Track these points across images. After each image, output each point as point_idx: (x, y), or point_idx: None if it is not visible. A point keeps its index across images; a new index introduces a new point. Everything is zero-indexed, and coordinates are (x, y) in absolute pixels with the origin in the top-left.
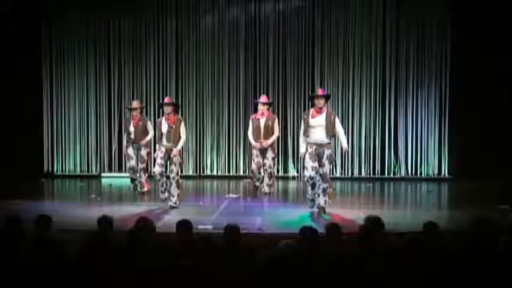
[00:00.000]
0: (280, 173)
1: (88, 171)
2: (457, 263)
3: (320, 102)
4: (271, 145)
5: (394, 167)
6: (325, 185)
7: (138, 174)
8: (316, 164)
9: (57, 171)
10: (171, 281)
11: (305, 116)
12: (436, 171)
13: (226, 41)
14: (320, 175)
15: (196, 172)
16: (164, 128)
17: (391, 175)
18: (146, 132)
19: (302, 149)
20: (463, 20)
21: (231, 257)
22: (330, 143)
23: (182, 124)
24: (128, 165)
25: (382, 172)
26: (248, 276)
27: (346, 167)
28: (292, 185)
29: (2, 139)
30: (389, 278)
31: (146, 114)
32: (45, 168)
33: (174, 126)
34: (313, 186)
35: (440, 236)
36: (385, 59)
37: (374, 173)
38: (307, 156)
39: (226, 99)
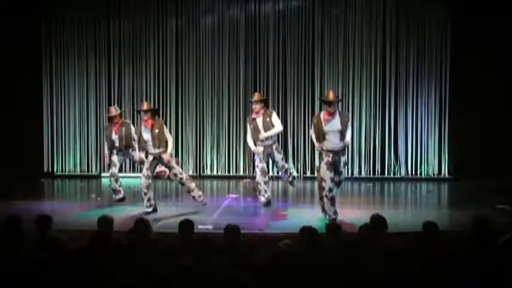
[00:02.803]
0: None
1: (88, 171)
2: (457, 263)
3: (332, 107)
4: (275, 146)
5: (394, 167)
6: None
7: (119, 183)
8: (333, 175)
9: (57, 171)
10: (171, 280)
11: (315, 121)
12: (436, 171)
13: (226, 41)
14: (336, 183)
15: (196, 172)
16: (146, 134)
17: (391, 175)
18: (131, 137)
19: (318, 144)
20: (463, 20)
21: (231, 257)
22: (344, 150)
23: (164, 127)
24: (110, 171)
25: (382, 172)
26: (248, 276)
27: (346, 167)
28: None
29: (2, 139)
30: (389, 278)
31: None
32: (45, 168)
33: (157, 131)
34: (332, 200)
35: (440, 236)
36: (385, 59)
37: (374, 173)
38: (324, 166)
39: (226, 99)
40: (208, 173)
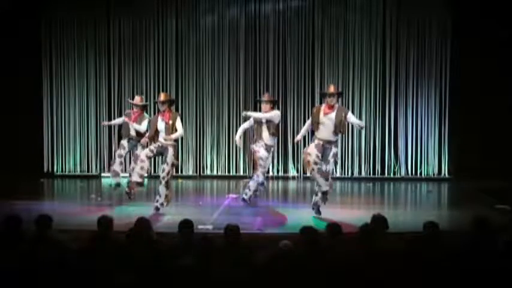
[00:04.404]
0: (280, 173)
1: (88, 171)
2: (457, 263)
3: (332, 100)
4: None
5: (394, 167)
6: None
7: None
8: (320, 154)
9: (57, 171)
10: (171, 280)
11: (314, 111)
12: (436, 171)
13: (226, 41)
14: (325, 174)
15: (196, 172)
16: (160, 125)
17: (391, 175)
18: (144, 131)
19: (299, 136)
20: (463, 20)
21: (231, 257)
22: (336, 141)
23: (178, 119)
24: (117, 152)
25: (382, 172)
26: (248, 276)
27: (346, 167)
28: (292, 185)
29: (2, 139)
30: (389, 278)
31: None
32: (45, 168)
33: (171, 122)
34: (321, 172)
35: (441, 236)
36: (385, 59)
37: (374, 173)
38: (312, 145)
39: (226, 99)
40: (208, 173)
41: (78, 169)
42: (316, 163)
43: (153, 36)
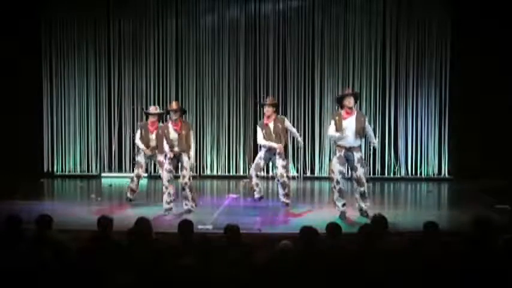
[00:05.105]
0: None
1: (88, 171)
2: (457, 263)
3: (350, 101)
4: (279, 151)
5: (394, 167)
6: (362, 189)
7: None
8: (343, 168)
9: (57, 171)
10: (171, 280)
11: (336, 117)
12: (436, 171)
13: (226, 41)
14: (355, 180)
15: (196, 172)
16: (172, 134)
17: (391, 175)
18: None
19: (333, 133)
20: (463, 20)
21: (231, 257)
22: (359, 146)
23: (191, 131)
24: (135, 172)
25: (382, 172)
26: (248, 276)
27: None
28: (292, 185)
29: (2, 139)
30: (389, 278)
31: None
32: (45, 168)
33: (184, 132)
34: (340, 192)
35: (440, 236)
36: (385, 59)
37: (374, 173)
38: (334, 159)
39: (226, 99)
40: (208, 173)
41: (78, 169)
42: (338, 182)
43: (153, 36)
